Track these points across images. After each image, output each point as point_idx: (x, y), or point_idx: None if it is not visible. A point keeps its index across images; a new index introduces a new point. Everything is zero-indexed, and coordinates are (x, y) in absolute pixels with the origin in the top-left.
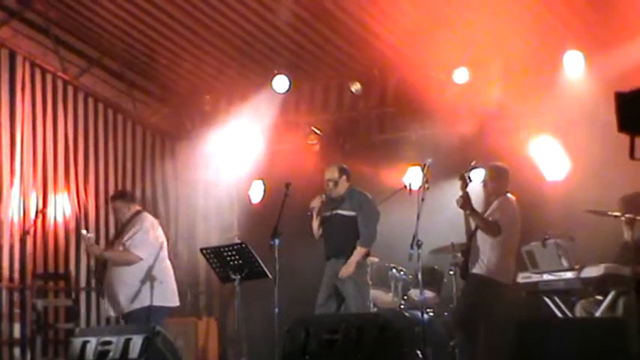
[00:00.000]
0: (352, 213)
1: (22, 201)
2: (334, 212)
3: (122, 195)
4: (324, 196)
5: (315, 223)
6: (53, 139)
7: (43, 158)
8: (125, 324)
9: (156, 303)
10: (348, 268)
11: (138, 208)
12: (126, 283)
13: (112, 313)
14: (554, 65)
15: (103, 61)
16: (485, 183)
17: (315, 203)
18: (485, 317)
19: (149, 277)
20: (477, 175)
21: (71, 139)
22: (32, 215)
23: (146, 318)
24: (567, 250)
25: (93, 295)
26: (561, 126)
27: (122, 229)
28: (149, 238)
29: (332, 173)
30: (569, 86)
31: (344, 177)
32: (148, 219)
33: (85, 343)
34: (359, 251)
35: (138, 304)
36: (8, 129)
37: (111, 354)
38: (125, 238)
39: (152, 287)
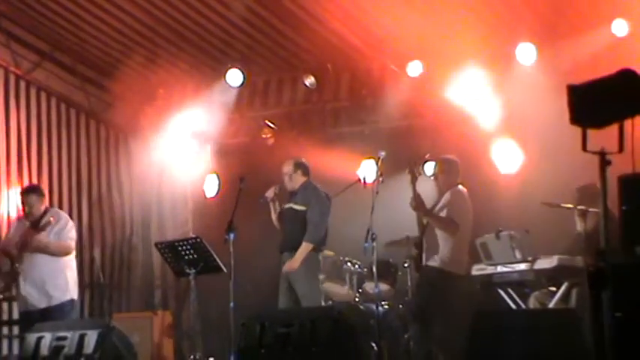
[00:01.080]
0: (303, 208)
1: None
2: (288, 206)
3: (37, 189)
4: (278, 187)
5: (273, 215)
6: (6, 134)
7: None
8: (44, 317)
9: (75, 296)
10: (292, 264)
11: (47, 204)
12: (52, 275)
13: (36, 305)
14: (506, 57)
15: (55, 55)
16: (435, 176)
17: (269, 193)
18: (440, 309)
19: (70, 270)
20: (430, 169)
21: (24, 134)
22: None
23: (69, 311)
24: (521, 242)
25: None
26: (514, 118)
27: (37, 222)
28: (73, 231)
29: (287, 167)
30: (521, 78)
31: (299, 171)
32: (65, 214)
33: (39, 339)
34: (304, 247)
35: (64, 297)
36: None
37: (66, 349)
38: (56, 230)
39: (70, 280)
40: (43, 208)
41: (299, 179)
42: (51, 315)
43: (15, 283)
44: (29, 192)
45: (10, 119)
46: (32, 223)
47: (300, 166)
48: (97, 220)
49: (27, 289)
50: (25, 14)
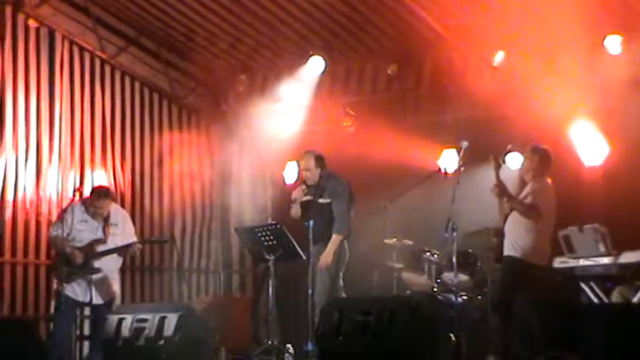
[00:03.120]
0: (328, 200)
1: (61, 179)
2: (313, 200)
3: (110, 194)
4: (304, 187)
5: (295, 210)
6: (91, 118)
7: (81, 136)
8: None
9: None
10: (326, 259)
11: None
12: (116, 271)
13: (92, 301)
14: (593, 48)
15: (140, 40)
16: (524, 164)
17: (297, 194)
18: (521, 300)
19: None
20: (512, 160)
21: (108, 118)
22: (70, 193)
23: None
24: (605, 236)
25: (137, 273)
26: (600, 110)
27: (109, 217)
28: (133, 229)
29: (308, 161)
30: (608, 69)
31: (319, 164)
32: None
33: (120, 320)
34: (334, 240)
35: (114, 294)
36: (47, 107)
37: (146, 331)
38: (127, 230)
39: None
40: (110, 208)
41: (318, 172)
42: (99, 310)
43: (87, 277)
44: (105, 197)
45: (95, 102)
46: (105, 219)
47: (320, 159)
48: (178, 204)
49: (97, 284)
50: (112, 0)
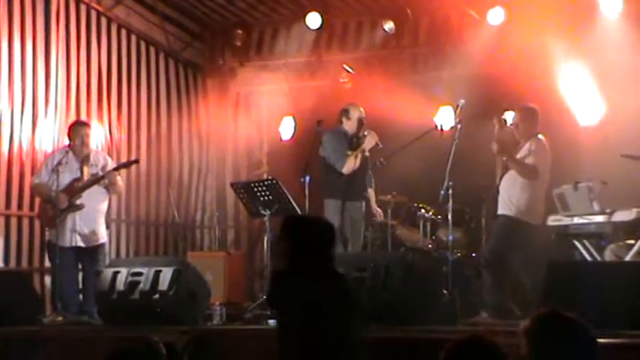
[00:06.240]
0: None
1: (57, 131)
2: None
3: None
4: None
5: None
6: (87, 70)
7: (77, 89)
8: (89, 255)
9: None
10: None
11: None
12: (102, 215)
13: (84, 243)
14: (591, 6)
15: None
16: (515, 124)
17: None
18: (514, 258)
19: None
20: (510, 117)
21: (104, 71)
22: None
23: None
24: (599, 194)
25: (132, 227)
26: (597, 69)
27: (89, 158)
28: None
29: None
30: (606, 28)
31: None
32: None
33: (115, 274)
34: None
35: (103, 239)
36: (43, 59)
37: (141, 285)
38: (110, 167)
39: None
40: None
41: None
42: (94, 253)
43: (71, 220)
44: (87, 124)
45: (92, 55)
46: (84, 159)
47: None
48: (175, 159)
49: (81, 225)
50: None
